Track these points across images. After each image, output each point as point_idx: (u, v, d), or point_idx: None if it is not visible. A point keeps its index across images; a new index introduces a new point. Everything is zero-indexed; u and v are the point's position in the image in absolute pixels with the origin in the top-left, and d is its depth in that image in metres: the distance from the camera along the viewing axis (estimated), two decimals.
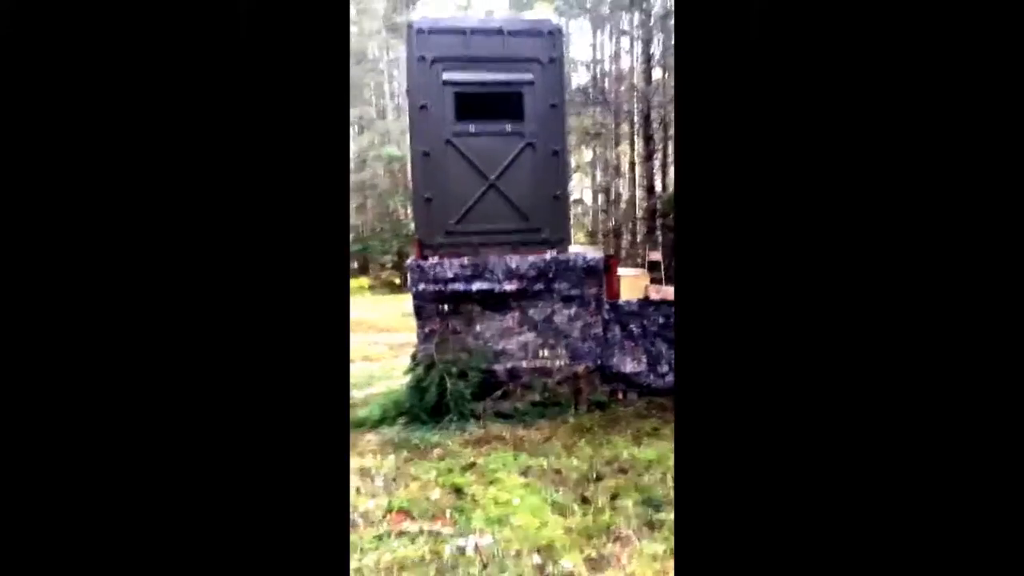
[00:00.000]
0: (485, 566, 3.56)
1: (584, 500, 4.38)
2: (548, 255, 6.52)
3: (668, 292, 7.10)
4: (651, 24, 17.51)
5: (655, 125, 18.08)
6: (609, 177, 22.28)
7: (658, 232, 17.62)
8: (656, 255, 15.54)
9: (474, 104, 6.55)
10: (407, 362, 6.63)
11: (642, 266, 14.60)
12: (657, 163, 18.87)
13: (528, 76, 6.52)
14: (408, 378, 6.44)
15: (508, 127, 6.61)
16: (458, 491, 4.55)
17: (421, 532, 3.94)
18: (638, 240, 19.37)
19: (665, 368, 6.63)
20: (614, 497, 4.40)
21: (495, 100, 6.60)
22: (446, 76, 6.43)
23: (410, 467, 5.07)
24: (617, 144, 21.50)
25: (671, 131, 19.03)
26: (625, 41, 20.89)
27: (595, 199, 23.55)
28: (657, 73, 18.71)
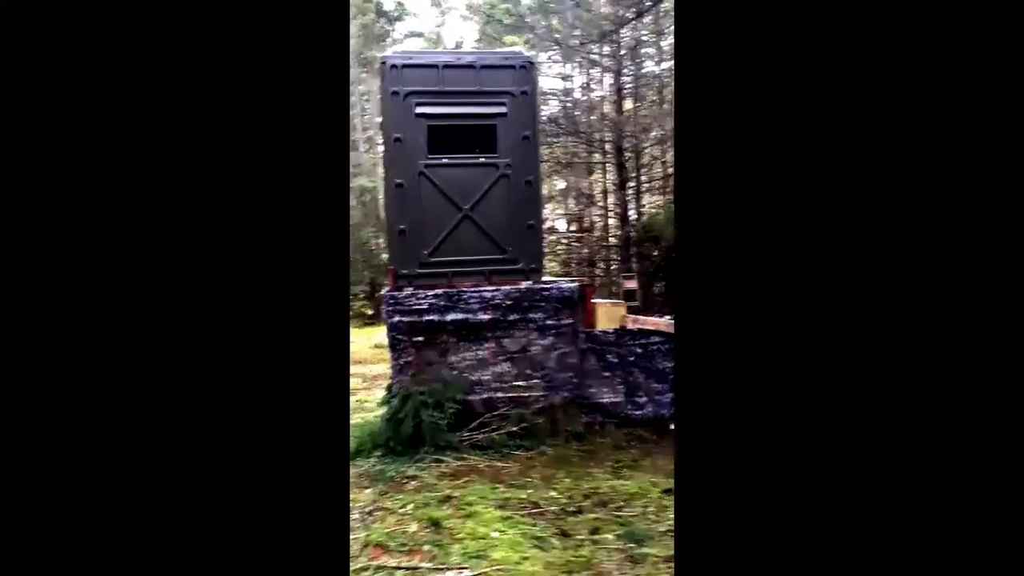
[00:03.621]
0: None
1: (564, 534, 4.33)
2: (523, 285, 6.50)
3: (645, 321, 7.07)
4: (621, 54, 17.65)
5: (627, 154, 18.16)
6: (582, 206, 22.35)
7: (633, 261, 17.64)
8: (631, 284, 15.53)
9: (447, 136, 6.56)
10: (382, 395, 6.55)
11: (617, 295, 14.60)
12: (630, 191, 18.94)
13: (501, 108, 6.55)
14: (383, 410, 6.37)
15: (482, 158, 6.63)
16: (435, 524, 4.48)
17: (399, 567, 3.88)
18: (612, 269, 19.41)
19: (643, 398, 6.59)
20: (595, 531, 4.36)
21: (468, 132, 6.62)
22: (419, 109, 6.45)
23: (386, 500, 5.00)
24: (590, 173, 21.59)
25: (643, 160, 19.15)
26: (595, 72, 21.05)
27: (568, 228, 23.60)
28: (628, 103, 18.85)
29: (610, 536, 4.27)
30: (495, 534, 4.33)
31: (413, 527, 4.48)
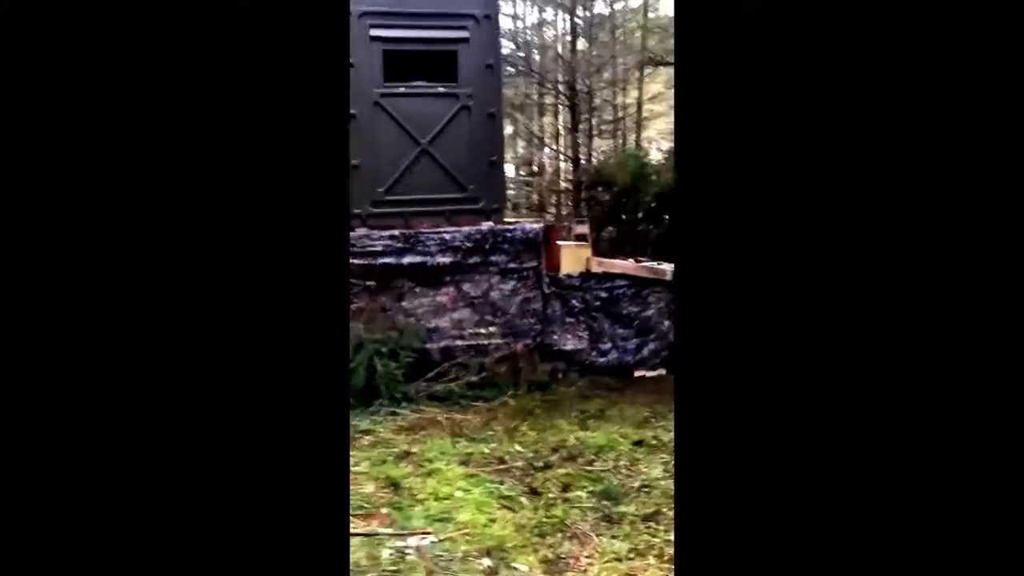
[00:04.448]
0: (430, 572, 3.20)
1: (533, 492, 4.07)
2: (484, 226, 6.17)
3: (611, 264, 6.81)
4: None
5: (579, 96, 17.79)
6: (533, 149, 21.94)
7: (583, 205, 17.40)
8: (583, 228, 15.33)
9: (405, 63, 6.11)
10: None
11: (568, 240, 14.34)
12: (581, 134, 18.60)
13: (463, 33, 6.13)
14: None
15: (441, 88, 6.22)
16: (394, 485, 4.18)
17: (355, 534, 3.55)
18: (563, 214, 19.15)
19: (608, 345, 6.38)
20: (565, 488, 4.11)
21: (427, 59, 6.18)
22: (374, 32, 5.97)
23: None
24: (541, 115, 21.18)
25: (596, 101, 18.80)
26: (548, 11, 20.55)
27: (517, 172, 23.21)
28: (581, 44, 18.45)
29: (582, 493, 4.02)
30: (459, 493, 4.06)
31: (369, 487, 4.18)
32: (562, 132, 19.85)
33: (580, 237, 14.58)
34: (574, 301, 6.38)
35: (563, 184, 19.80)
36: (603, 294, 6.36)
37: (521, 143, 22.58)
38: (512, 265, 6.14)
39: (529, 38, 21.12)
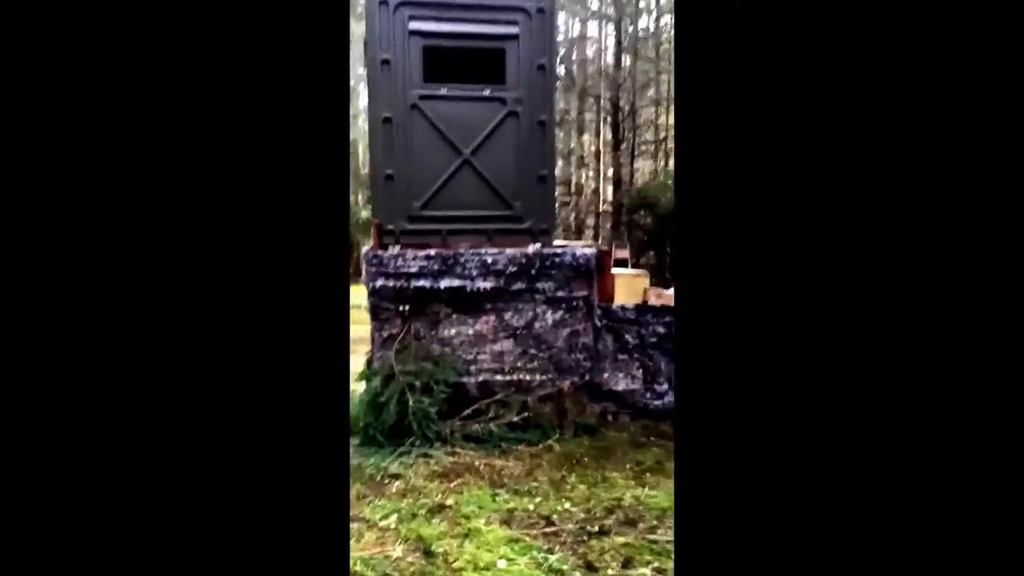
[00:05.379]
0: None
1: (589, 567, 3.45)
2: (531, 248, 5.59)
3: (672, 297, 6.21)
4: (623, 4, 16.74)
5: (623, 113, 17.32)
6: (572, 168, 21.49)
7: (623, 228, 16.88)
8: (623, 252, 14.91)
9: (447, 61, 5.55)
10: (360, 362, 5.63)
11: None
12: (624, 155, 18.10)
13: (512, 29, 5.54)
14: (361, 387, 5.53)
15: (487, 91, 5.63)
16: (427, 551, 3.58)
17: None
18: (602, 236, 18.66)
19: (663, 386, 5.78)
20: (627, 563, 3.48)
21: (472, 57, 5.61)
22: (413, 25, 5.42)
23: (364, 507, 4.15)
24: (581, 133, 20.73)
25: (640, 119, 18.30)
26: (591, 24, 20.14)
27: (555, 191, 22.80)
28: (626, 59, 18.00)
29: (648, 571, 3.41)
30: (502, 564, 3.46)
31: (398, 551, 3.59)
32: (602, 151, 19.40)
33: (620, 262, 14.15)
34: (628, 336, 5.79)
35: (602, 206, 19.33)
36: (661, 329, 5.78)
37: (561, 161, 22.18)
38: (560, 293, 5.57)
39: (571, 52, 20.73)
